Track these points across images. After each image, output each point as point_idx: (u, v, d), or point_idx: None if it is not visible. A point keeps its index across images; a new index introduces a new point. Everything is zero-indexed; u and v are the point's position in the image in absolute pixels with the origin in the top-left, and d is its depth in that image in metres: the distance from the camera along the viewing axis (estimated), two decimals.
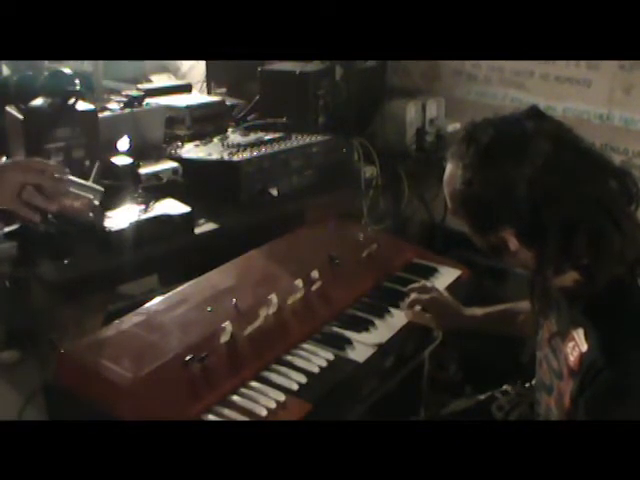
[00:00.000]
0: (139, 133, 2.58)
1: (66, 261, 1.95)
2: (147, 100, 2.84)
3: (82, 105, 2.36)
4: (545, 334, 1.67)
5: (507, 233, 1.49)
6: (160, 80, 3.82)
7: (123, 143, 2.43)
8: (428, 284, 2.20)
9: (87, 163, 2.27)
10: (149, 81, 3.75)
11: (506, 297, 2.12)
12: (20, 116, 2.28)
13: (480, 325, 2.08)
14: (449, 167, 1.56)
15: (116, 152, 2.40)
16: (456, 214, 1.58)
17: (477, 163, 1.47)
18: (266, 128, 2.90)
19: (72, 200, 1.53)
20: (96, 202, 1.58)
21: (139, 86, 3.28)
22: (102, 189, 1.60)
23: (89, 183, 1.62)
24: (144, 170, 2.37)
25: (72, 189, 1.53)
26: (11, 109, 2.34)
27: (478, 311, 2.08)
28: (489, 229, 1.52)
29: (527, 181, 1.42)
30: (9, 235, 1.60)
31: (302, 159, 2.61)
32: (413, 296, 2.11)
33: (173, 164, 2.44)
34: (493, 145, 1.46)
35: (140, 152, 2.49)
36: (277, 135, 2.73)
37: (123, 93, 2.91)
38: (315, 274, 2.06)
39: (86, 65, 4.81)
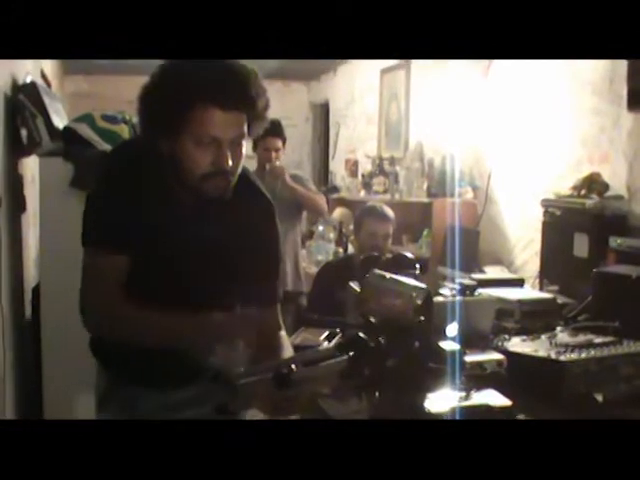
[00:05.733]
0: (468, 321, 2.64)
1: None
2: (479, 290, 2.93)
3: None
4: None
5: None
6: (493, 272, 3.92)
7: (452, 329, 2.51)
8: None
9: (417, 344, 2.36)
10: (482, 272, 3.86)
11: None
12: (358, 289, 2.46)
13: None
14: None
15: (444, 337, 2.48)
16: None
17: None
18: (596, 331, 2.84)
19: (393, 299, 1.50)
20: (418, 301, 1.51)
21: (472, 275, 3.40)
22: (426, 287, 1.53)
23: (412, 282, 1.56)
24: (469, 358, 2.41)
25: (393, 287, 1.50)
26: (353, 284, 2.54)
27: None
28: None
29: None
30: (340, 347, 1.54)
31: (632, 367, 2.51)
32: None
33: (498, 356, 2.47)
34: None
35: (467, 340, 2.54)
36: (607, 339, 2.67)
37: (457, 281, 3.03)
38: None
39: (424, 250, 5.09)
